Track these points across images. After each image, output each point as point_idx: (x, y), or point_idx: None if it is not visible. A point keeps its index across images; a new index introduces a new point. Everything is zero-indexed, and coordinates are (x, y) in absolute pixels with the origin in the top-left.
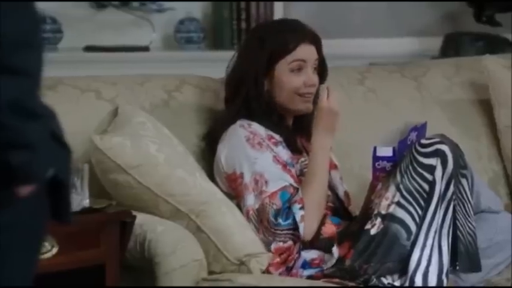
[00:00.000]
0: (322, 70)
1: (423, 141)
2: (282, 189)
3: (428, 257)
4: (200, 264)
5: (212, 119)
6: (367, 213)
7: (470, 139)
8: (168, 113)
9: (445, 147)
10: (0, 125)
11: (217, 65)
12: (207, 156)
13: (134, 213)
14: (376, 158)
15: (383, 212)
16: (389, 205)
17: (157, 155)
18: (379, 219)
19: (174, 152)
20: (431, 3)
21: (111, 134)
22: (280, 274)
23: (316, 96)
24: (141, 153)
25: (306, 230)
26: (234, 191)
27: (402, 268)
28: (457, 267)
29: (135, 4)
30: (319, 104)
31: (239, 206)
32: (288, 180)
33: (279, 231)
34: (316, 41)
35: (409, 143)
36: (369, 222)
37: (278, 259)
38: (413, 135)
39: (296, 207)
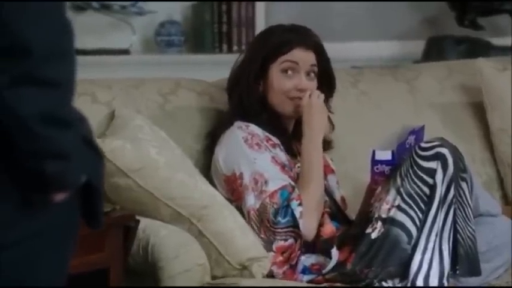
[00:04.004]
0: (326, 81)
1: (423, 144)
2: (282, 188)
3: (430, 261)
4: (204, 268)
5: (211, 120)
6: (367, 216)
7: (463, 142)
8: (163, 116)
9: (445, 151)
10: (34, 135)
11: (198, 68)
12: (204, 159)
13: (137, 217)
14: (374, 162)
15: (383, 215)
16: (389, 209)
17: (157, 158)
18: (379, 223)
19: (173, 155)
20: (413, 7)
21: (112, 137)
22: (284, 273)
23: None
24: (141, 156)
25: (306, 227)
26: (233, 193)
27: (403, 272)
28: (457, 271)
29: (115, 7)
30: (303, 105)
31: (238, 209)
32: (287, 179)
33: (279, 230)
34: (316, 48)
35: (407, 146)
36: (370, 226)
37: (281, 258)
38: (411, 139)
39: (294, 203)
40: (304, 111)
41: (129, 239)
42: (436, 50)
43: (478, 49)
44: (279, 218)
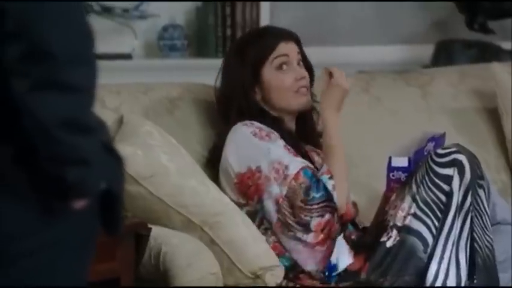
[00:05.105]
0: (307, 69)
1: (439, 150)
2: (303, 168)
3: (446, 270)
4: (217, 277)
5: (218, 126)
6: (382, 224)
7: (478, 148)
8: (171, 122)
9: (462, 157)
10: (54, 141)
11: (202, 73)
12: (211, 167)
13: (149, 225)
14: (391, 169)
15: (399, 223)
16: (405, 217)
17: (169, 165)
18: (395, 231)
19: (185, 162)
20: (421, 10)
21: (122, 143)
22: (327, 249)
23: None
24: (153, 163)
25: (339, 199)
26: (248, 191)
27: (419, 281)
28: (475, 281)
29: (117, 11)
30: (323, 85)
31: (250, 214)
32: (305, 161)
33: (315, 206)
34: (294, 38)
35: (426, 153)
36: (385, 234)
37: (322, 235)
38: (430, 146)
39: (325, 177)
40: (331, 91)
41: (141, 247)
42: (445, 54)
43: (488, 53)
44: (313, 194)
